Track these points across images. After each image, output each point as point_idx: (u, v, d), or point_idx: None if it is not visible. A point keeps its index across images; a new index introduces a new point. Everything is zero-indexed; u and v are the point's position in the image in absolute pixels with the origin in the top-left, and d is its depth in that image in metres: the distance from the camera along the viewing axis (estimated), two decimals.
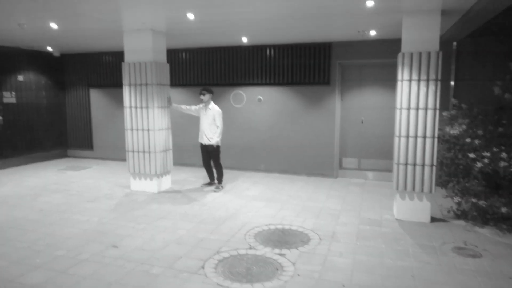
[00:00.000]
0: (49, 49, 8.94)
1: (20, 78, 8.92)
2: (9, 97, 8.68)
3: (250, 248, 4.28)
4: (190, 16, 5.26)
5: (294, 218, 5.31)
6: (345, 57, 7.56)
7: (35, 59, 9.24)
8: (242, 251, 4.19)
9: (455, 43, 6.79)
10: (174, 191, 6.70)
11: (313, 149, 7.93)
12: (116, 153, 9.62)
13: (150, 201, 6.10)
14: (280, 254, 4.12)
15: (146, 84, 6.32)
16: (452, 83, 6.87)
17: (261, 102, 8.24)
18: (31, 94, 9.21)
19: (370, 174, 7.77)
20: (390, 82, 7.45)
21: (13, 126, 8.83)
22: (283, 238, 4.58)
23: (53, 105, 9.81)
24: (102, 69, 9.53)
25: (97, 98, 9.80)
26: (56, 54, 9.51)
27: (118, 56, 9.26)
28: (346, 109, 7.91)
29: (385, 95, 7.60)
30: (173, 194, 6.54)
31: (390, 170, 7.60)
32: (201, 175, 7.88)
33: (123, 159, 9.46)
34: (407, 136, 5.09)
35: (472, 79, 6.74)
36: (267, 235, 4.70)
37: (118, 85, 9.29)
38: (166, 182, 6.84)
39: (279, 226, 4.99)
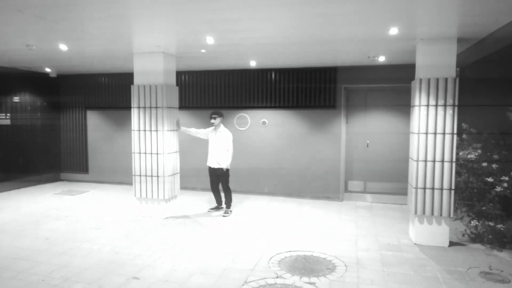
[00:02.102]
0: (47, 70, 8.71)
1: (16, 99, 8.64)
2: (4, 119, 8.36)
3: (278, 277, 4.15)
4: (210, 40, 5.25)
5: (312, 244, 5.21)
6: (350, 81, 7.67)
7: (31, 80, 8.98)
8: (271, 281, 4.05)
9: (458, 69, 7.00)
10: (182, 217, 6.50)
11: (318, 172, 7.91)
12: (113, 176, 9.34)
13: (160, 227, 5.89)
14: (310, 283, 4.01)
15: (156, 107, 6.20)
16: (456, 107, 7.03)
17: (266, 125, 8.22)
18: (26, 116, 8.91)
19: (376, 197, 7.78)
20: (395, 106, 7.59)
21: (7, 148, 8.47)
22: (308, 266, 4.47)
23: (48, 126, 9.50)
24: (101, 91, 9.34)
25: (94, 120, 9.56)
26: (53, 75, 9.27)
27: (117, 78, 9.13)
28: (352, 132, 7.97)
29: (391, 119, 7.71)
30: (182, 219, 6.34)
31: (396, 193, 7.65)
32: (205, 199, 7.72)
33: (120, 182, 9.22)
34: (425, 161, 5.13)
35: (475, 104, 6.93)
36: (290, 262, 4.58)
37: (117, 107, 9.17)
38: (173, 207, 6.64)
39: (300, 253, 4.88)
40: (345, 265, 4.49)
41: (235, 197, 7.70)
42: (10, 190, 8.50)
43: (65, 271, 4.23)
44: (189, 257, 4.68)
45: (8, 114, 8.48)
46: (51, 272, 4.20)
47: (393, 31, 4.66)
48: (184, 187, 8.50)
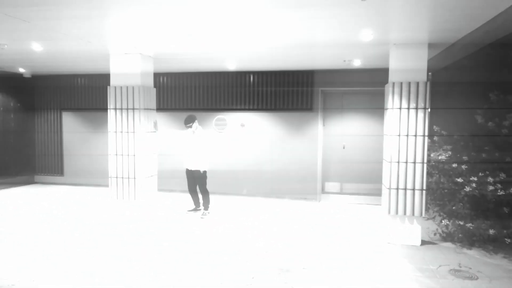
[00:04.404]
0: (21, 70, 8.51)
1: None
2: None
3: (253, 277, 4.18)
4: (187, 43, 5.25)
5: (289, 244, 5.26)
6: (327, 84, 7.81)
7: (4, 80, 8.75)
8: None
9: (430, 73, 7.22)
10: (161, 219, 6.45)
11: (296, 173, 8.00)
12: (89, 178, 9.19)
13: (140, 230, 5.83)
14: (286, 283, 4.05)
15: (133, 109, 6.15)
16: (428, 110, 7.25)
17: (244, 127, 8.26)
18: None
19: (352, 198, 7.93)
20: (370, 109, 7.77)
21: None
22: (284, 265, 4.52)
23: (21, 128, 9.26)
24: (77, 92, 9.19)
25: (70, 121, 9.39)
26: (27, 75, 9.06)
27: (93, 79, 9.01)
28: (328, 135, 8.10)
29: (366, 122, 7.88)
30: (161, 222, 6.29)
31: (371, 194, 7.82)
32: (183, 200, 7.67)
33: (97, 184, 9.08)
34: (398, 162, 5.28)
35: (445, 107, 7.17)
36: (278, 263, 4.60)
37: (93, 108, 9.04)
38: (151, 209, 6.58)
39: (285, 254, 4.90)
40: (321, 264, 4.57)
41: (214, 198, 7.69)
42: None
43: (39, 277, 4.14)
44: (176, 262, 4.64)
45: None
46: (20, 280, 4.11)
47: (367, 36, 4.78)
48: (162, 189, 8.43)
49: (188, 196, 7.05)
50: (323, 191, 8.17)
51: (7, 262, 4.51)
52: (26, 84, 9.29)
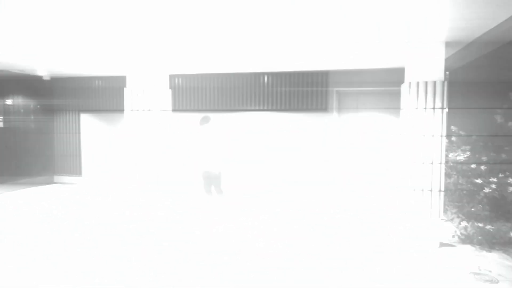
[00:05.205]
0: (40, 72, 8.72)
1: (9, 102, 8.66)
2: None
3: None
4: (205, 42, 5.30)
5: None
6: (342, 84, 7.77)
7: (25, 83, 8.99)
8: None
9: (447, 73, 7.10)
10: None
11: (309, 174, 7.97)
12: (107, 179, 9.34)
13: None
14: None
15: (149, 110, 6.22)
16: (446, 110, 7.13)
17: (258, 127, 8.29)
18: (18, 118, 8.92)
19: (368, 199, 7.85)
20: (387, 109, 7.69)
21: None
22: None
23: (41, 129, 9.50)
24: (95, 94, 9.37)
25: (88, 123, 9.57)
26: (47, 78, 9.28)
27: (110, 81, 9.16)
28: (343, 135, 8.04)
29: (382, 122, 7.80)
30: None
31: (384, 194, 7.72)
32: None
33: (115, 185, 9.21)
34: (415, 163, 5.20)
35: (464, 107, 7.03)
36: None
37: (111, 110, 9.20)
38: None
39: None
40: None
41: (226, 198, 7.71)
42: (1, 193, 8.48)
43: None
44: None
45: (1, 117, 8.49)
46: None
47: (383, 34, 4.74)
48: (174, 189, 8.52)
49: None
50: (336, 191, 8.11)
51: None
52: (45, 86, 9.51)
